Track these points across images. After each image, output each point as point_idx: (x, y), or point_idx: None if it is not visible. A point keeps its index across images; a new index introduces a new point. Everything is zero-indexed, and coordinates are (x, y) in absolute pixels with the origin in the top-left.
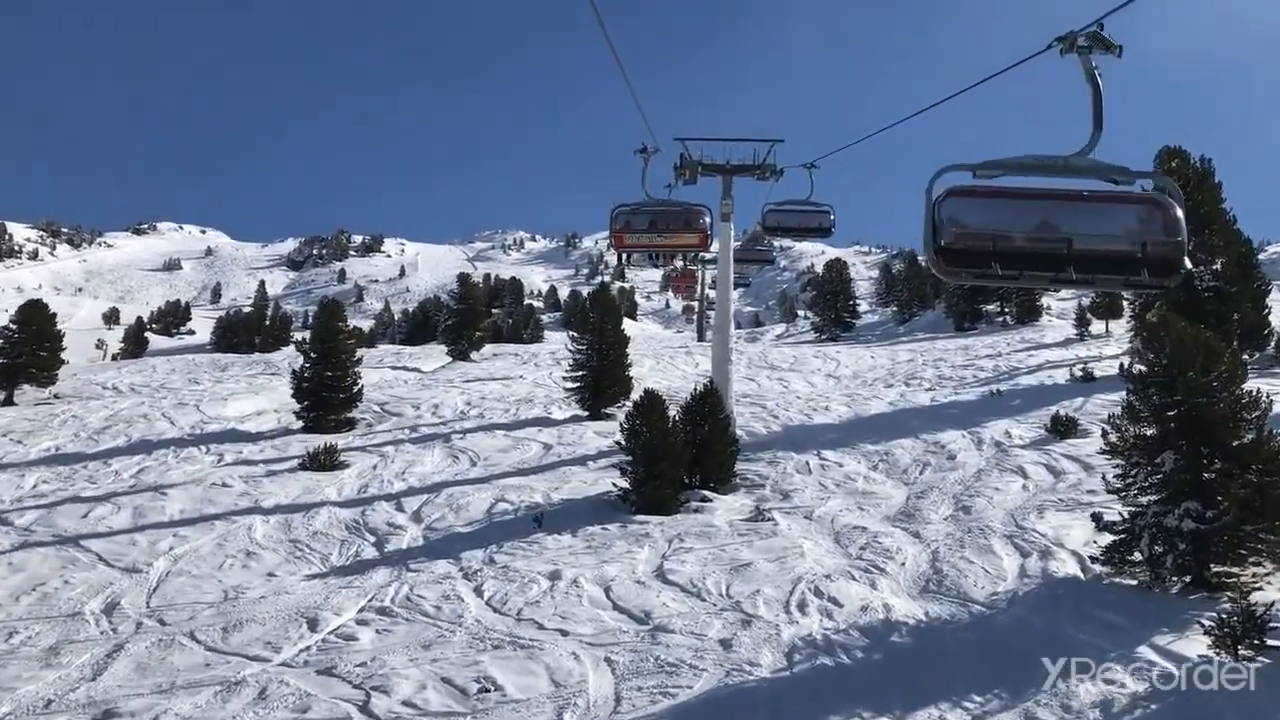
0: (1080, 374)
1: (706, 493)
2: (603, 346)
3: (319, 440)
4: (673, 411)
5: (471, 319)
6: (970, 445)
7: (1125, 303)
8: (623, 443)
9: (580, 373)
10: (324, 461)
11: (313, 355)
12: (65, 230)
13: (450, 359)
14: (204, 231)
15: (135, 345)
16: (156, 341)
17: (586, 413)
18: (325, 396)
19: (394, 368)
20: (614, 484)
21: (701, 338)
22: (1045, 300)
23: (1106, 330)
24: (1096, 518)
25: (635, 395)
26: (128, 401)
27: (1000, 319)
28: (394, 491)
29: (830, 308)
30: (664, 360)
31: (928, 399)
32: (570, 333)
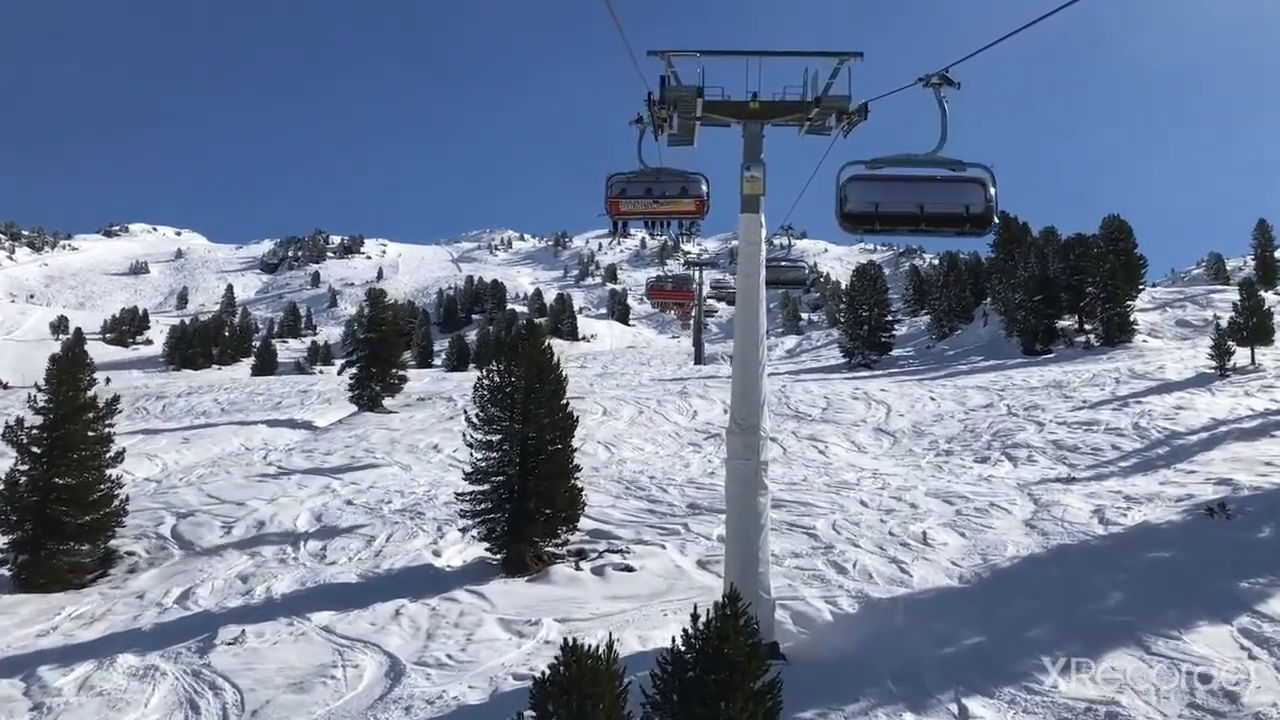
0: None
1: None
2: (531, 438)
3: (17, 607)
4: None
5: (385, 352)
6: None
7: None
8: None
9: (486, 486)
10: None
11: (34, 450)
12: (26, 233)
13: (356, 408)
14: (179, 233)
15: None
16: (105, 354)
17: (500, 556)
18: (61, 520)
19: (273, 424)
20: None
21: (700, 359)
22: (1133, 315)
23: (1253, 361)
24: None
25: (594, 491)
26: None
27: (1082, 339)
28: None
29: (862, 325)
30: (648, 409)
31: (1086, 512)
32: (471, 410)
